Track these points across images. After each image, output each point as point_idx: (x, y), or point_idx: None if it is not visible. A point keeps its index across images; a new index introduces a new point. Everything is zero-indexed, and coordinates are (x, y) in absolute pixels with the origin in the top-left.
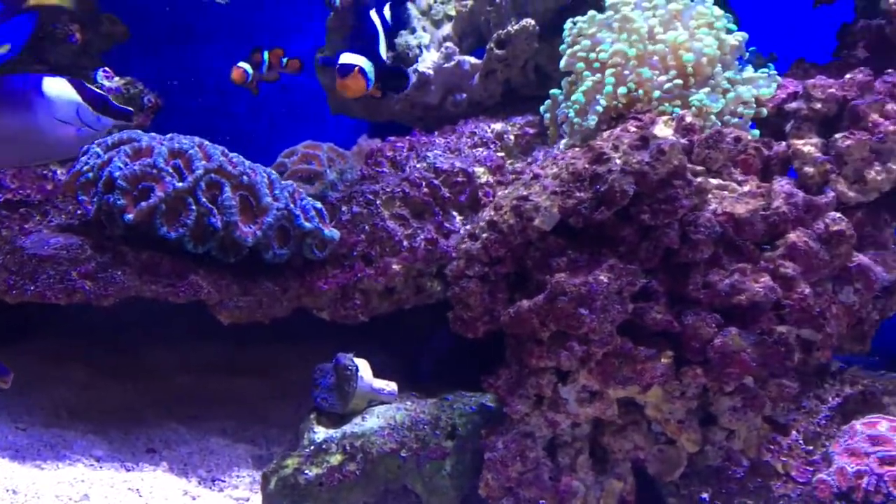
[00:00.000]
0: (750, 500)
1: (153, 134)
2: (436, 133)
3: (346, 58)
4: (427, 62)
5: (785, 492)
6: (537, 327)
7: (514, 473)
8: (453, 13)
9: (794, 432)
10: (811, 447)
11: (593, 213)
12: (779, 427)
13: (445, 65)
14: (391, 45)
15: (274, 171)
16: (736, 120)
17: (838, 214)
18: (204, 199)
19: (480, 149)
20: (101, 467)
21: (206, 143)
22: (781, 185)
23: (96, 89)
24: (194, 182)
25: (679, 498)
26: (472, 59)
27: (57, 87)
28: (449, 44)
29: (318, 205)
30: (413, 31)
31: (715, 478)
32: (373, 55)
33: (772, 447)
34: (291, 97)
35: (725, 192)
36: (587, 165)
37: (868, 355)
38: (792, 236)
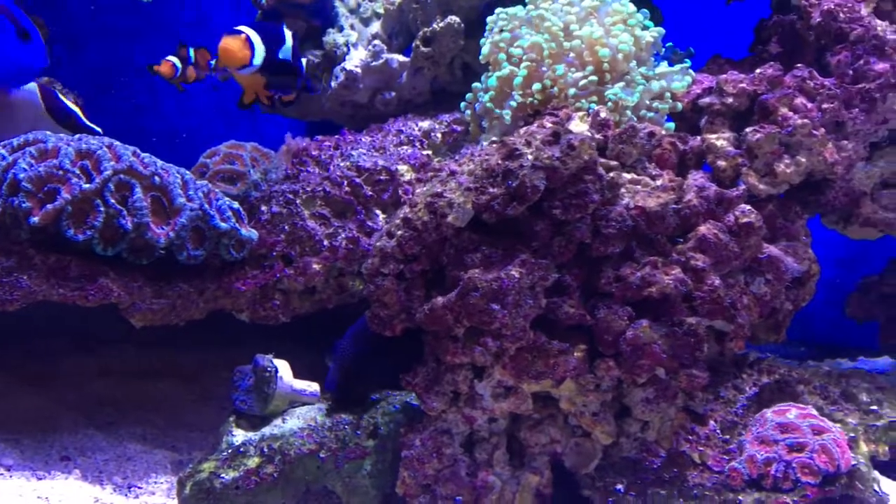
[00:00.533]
0: (664, 489)
1: (61, 135)
2: (364, 132)
3: (241, 28)
4: (354, 60)
5: (700, 481)
6: (452, 324)
7: (431, 471)
8: (382, 11)
9: (711, 422)
10: (728, 436)
11: (506, 208)
12: (697, 417)
13: (373, 63)
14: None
15: (189, 172)
16: (651, 115)
17: (748, 207)
18: (112, 201)
19: (406, 147)
20: (10, 476)
21: (117, 143)
22: (695, 178)
23: (70, 104)
24: (102, 183)
25: (594, 490)
26: (400, 57)
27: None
28: (377, 42)
29: (235, 205)
30: (341, 28)
31: (631, 469)
32: (270, 52)
33: (690, 437)
34: (222, 97)
35: (639, 187)
36: (500, 161)
37: (792, 345)
38: (702, 229)
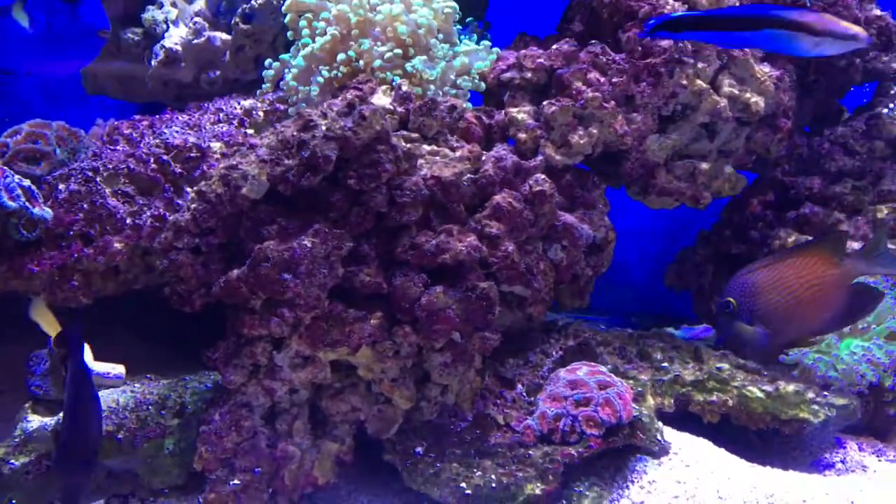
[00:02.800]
0: (461, 449)
1: None
2: (184, 111)
3: None
4: (174, 38)
5: (502, 441)
6: (248, 296)
7: (230, 444)
8: None
9: (519, 386)
10: (533, 398)
11: (301, 179)
12: (507, 382)
13: (195, 41)
14: None
15: None
16: (455, 91)
17: (543, 176)
18: None
19: (223, 125)
20: None
21: None
22: (497, 150)
23: None
24: None
25: (394, 454)
26: (223, 35)
27: None
28: (199, 19)
29: (27, 183)
30: (161, 5)
31: (434, 433)
32: None
33: (498, 401)
34: (45, 79)
35: (437, 158)
36: (295, 133)
37: (631, 317)
38: (498, 198)
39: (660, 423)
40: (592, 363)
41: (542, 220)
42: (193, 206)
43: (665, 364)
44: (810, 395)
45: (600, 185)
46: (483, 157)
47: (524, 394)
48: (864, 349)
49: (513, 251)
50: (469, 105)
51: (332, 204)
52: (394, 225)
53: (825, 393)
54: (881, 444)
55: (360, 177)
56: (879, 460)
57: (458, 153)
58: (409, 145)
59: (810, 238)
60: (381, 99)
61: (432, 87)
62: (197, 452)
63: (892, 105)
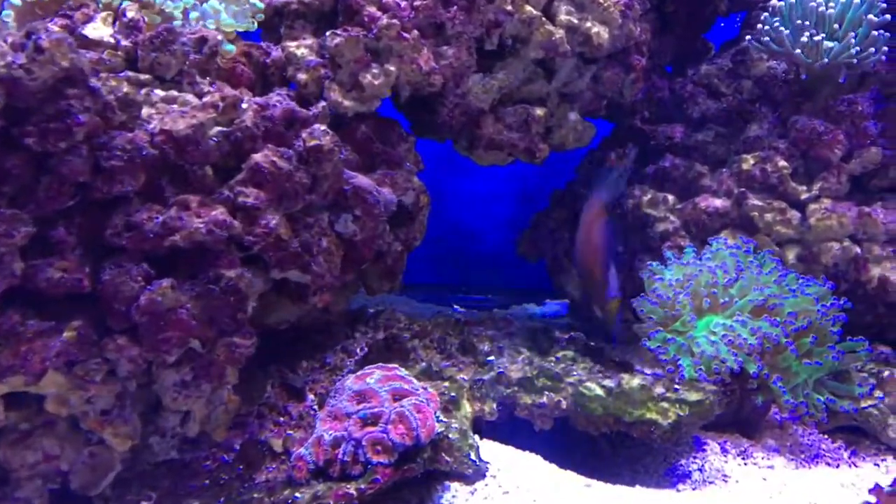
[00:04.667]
0: (201, 499)
1: None
2: None
3: None
4: None
5: (275, 475)
6: None
7: None
8: None
9: (310, 397)
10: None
11: None
12: (294, 393)
13: None
14: None
15: None
16: (220, 20)
17: (321, 127)
18: None
19: None
20: None
21: None
22: (269, 97)
23: None
24: None
25: None
26: None
27: None
28: None
29: None
30: None
31: (173, 476)
32: None
33: (280, 419)
34: None
35: (175, 106)
36: None
37: (489, 293)
38: (258, 156)
39: (476, 438)
40: (390, 366)
41: (323, 183)
42: None
43: (491, 357)
44: (658, 390)
45: (408, 138)
46: (245, 104)
47: (315, 407)
48: (725, 328)
49: (277, 225)
50: (230, 47)
51: (6, 172)
52: (102, 199)
53: (676, 386)
54: (747, 442)
55: (42, 133)
56: (744, 464)
57: (206, 99)
58: (129, 89)
59: (668, 196)
60: (99, 29)
61: (177, 13)
62: None
63: (761, 38)
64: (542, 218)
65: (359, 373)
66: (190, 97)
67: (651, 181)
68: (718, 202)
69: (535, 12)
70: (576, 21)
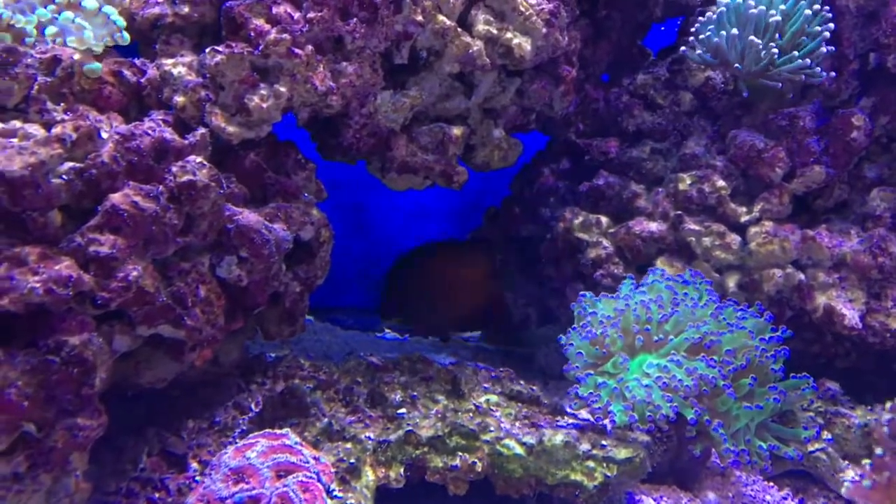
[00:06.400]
0: None
1: None
2: None
3: None
4: None
5: None
6: None
7: None
8: None
9: (193, 465)
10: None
11: None
12: (175, 461)
13: None
14: None
15: None
16: (74, 38)
17: (197, 159)
18: None
19: None
20: None
21: None
22: (150, 120)
23: None
24: None
25: None
26: None
27: None
28: None
29: None
30: None
31: None
32: None
33: (156, 496)
34: None
35: (14, 141)
36: None
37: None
38: (116, 197)
39: None
40: (278, 432)
41: (200, 223)
42: None
43: (403, 410)
44: (584, 446)
45: (308, 165)
46: (105, 135)
47: (199, 479)
48: (659, 369)
49: (139, 277)
50: (96, 66)
51: None
52: None
53: (603, 442)
54: (685, 496)
55: None
56: None
57: (54, 131)
58: None
59: (602, 218)
60: None
61: (31, 35)
62: None
63: (695, 48)
64: (476, 237)
65: (240, 444)
66: (34, 129)
67: (585, 201)
68: (654, 226)
69: (449, 23)
70: (495, 32)
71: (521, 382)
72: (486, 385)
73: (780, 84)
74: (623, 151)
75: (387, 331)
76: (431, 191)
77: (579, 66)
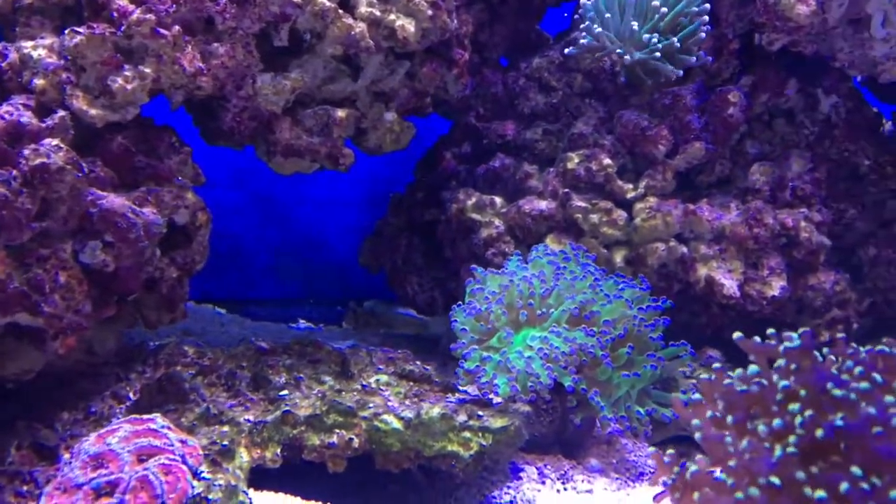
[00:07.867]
0: None
1: None
2: None
3: None
4: None
5: None
6: None
7: None
8: None
9: (65, 456)
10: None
11: None
12: (46, 453)
13: None
14: None
15: None
16: None
17: (53, 142)
18: None
19: None
20: None
21: None
22: (9, 104)
23: None
24: None
25: None
26: None
27: None
28: None
29: None
30: None
31: None
32: None
33: (24, 489)
34: None
35: None
36: None
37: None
38: None
39: (251, 495)
40: (145, 417)
41: (58, 208)
42: None
43: (285, 392)
44: (461, 418)
45: (183, 149)
46: None
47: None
48: (541, 341)
49: None
50: None
51: None
52: None
53: (480, 413)
54: (568, 463)
55: None
56: (564, 489)
57: None
58: None
59: (496, 199)
60: None
61: None
62: None
63: (579, 31)
64: (382, 225)
65: (102, 430)
66: None
67: (483, 183)
68: (543, 204)
69: (329, 4)
70: (378, 14)
71: (417, 363)
72: (380, 366)
73: (669, 66)
74: (519, 133)
75: (301, 321)
76: (345, 179)
77: (476, 50)
